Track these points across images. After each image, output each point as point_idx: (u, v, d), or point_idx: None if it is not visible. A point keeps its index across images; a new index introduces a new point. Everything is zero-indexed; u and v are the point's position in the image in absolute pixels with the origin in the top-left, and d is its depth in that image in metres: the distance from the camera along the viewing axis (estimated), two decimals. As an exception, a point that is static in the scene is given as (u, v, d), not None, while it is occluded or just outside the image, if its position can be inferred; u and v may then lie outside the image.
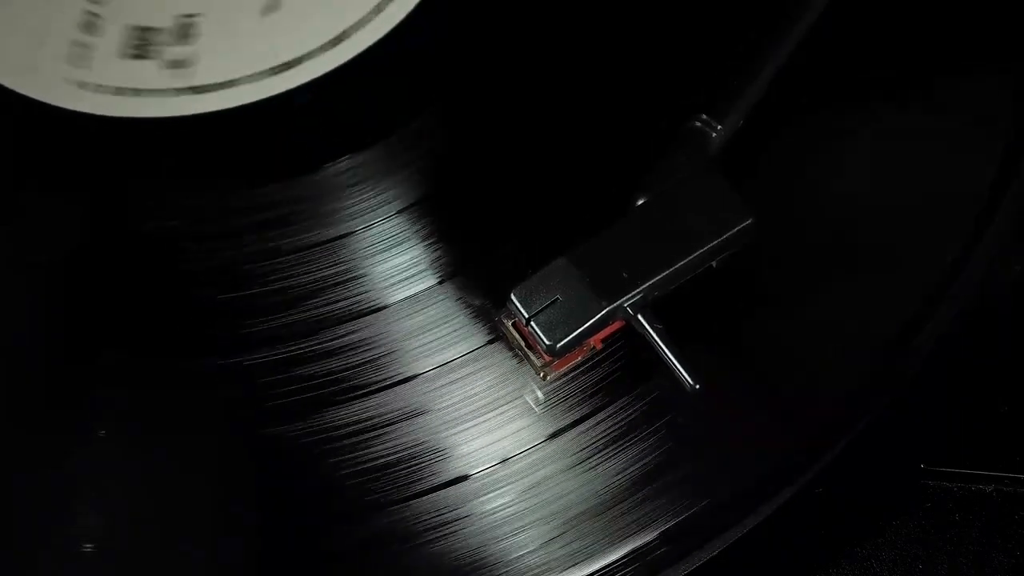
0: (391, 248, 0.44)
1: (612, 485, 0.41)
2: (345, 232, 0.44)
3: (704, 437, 0.41)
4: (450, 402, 0.42)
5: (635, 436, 0.41)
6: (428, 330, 0.42)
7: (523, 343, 0.41)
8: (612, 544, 0.40)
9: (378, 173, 0.45)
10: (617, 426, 0.41)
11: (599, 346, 0.42)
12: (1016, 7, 0.46)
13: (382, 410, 0.42)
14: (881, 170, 0.45)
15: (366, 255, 0.44)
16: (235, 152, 0.46)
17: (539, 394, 0.42)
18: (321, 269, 0.43)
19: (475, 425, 0.41)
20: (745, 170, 0.43)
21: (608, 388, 0.42)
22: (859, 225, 0.44)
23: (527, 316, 0.40)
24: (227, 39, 0.47)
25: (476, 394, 0.42)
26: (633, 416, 0.41)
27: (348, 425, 0.41)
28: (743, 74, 0.44)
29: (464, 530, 0.40)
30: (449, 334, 0.42)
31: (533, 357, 0.41)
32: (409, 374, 0.42)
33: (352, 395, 0.42)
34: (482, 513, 0.41)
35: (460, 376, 0.42)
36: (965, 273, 0.43)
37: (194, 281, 0.43)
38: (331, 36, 0.47)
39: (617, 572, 0.40)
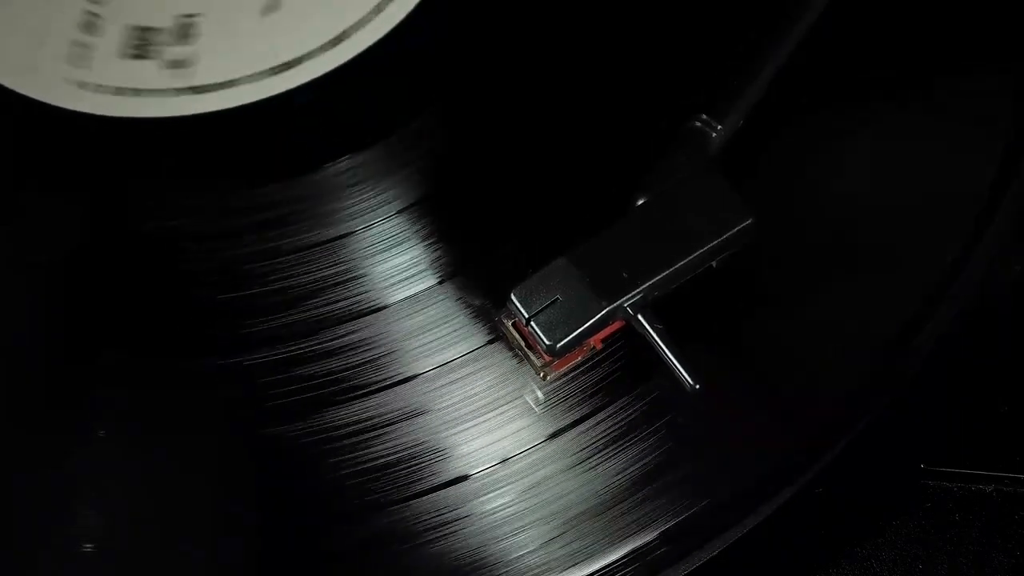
0: (391, 248, 0.44)
1: (612, 485, 0.41)
2: (345, 232, 0.44)
3: (704, 437, 0.41)
4: (450, 402, 0.42)
5: (635, 436, 0.41)
6: (428, 330, 0.42)
7: (523, 343, 0.41)
8: (612, 544, 0.40)
9: (378, 173, 0.45)
10: (617, 426, 0.41)
11: (599, 346, 0.42)
12: (1016, 7, 0.46)
13: (382, 410, 0.42)
14: (881, 170, 0.45)
15: (366, 255, 0.44)
16: (235, 152, 0.46)
17: (539, 394, 0.42)
18: (321, 269, 0.43)
19: (475, 425, 0.41)
20: (745, 170, 0.43)
21: (608, 388, 0.42)
22: (859, 225, 0.44)
23: (527, 316, 0.40)
24: (227, 39, 0.47)
25: (476, 394, 0.42)
26: (633, 416, 0.41)
27: (348, 425, 0.41)
28: (743, 74, 0.44)
29: (464, 530, 0.40)
30: (449, 334, 0.42)
31: (533, 357, 0.41)
32: (409, 374, 0.42)
33: (352, 395, 0.42)
34: (482, 513, 0.41)
35: (460, 376, 0.42)
36: (965, 273, 0.43)
37: (194, 281, 0.43)
38: (331, 36, 0.47)
39: (617, 572, 0.40)
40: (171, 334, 0.43)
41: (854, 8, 0.45)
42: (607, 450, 0.41)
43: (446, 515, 0.40)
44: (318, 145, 0.45)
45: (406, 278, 0.43)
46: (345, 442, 0.41)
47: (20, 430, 0.42)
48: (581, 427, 0.41)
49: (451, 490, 0.41)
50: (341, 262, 0.43)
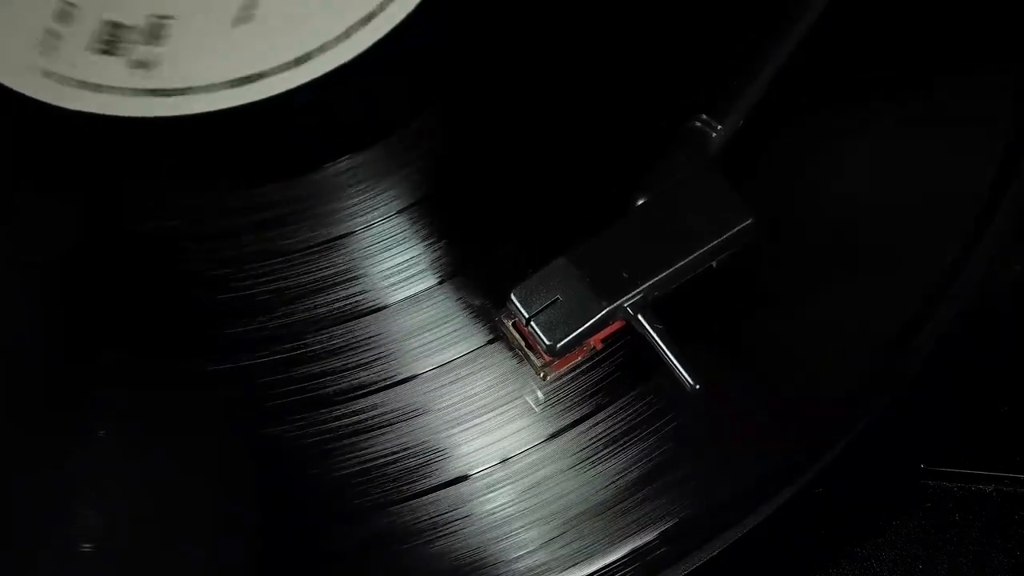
0: (391, 248, 0.44)
1: (612, 485, 0.41)
2: (345, 232, 0.44)
3: (704, 437, 0.41)
4: (450, 402, 0.42)
5: (635, 436, 0.41)
6: (428, 330, 0.42)
7: (523, 343, 0.41)
8: (612, 544, 0.40)
9: (378, 173, 0.45)
10: (617, 426, 0.41)
11: (599, 346, 0.42)
12: (1016, 7, 0.46)
13: (382, 410, 0.42)
14: (881, 170, 0.45)
15: (366, 255, 0.44)
16: (235, 152, 0.46)
17: (539, 394, 0.42)
18: (321, 269, 0.43)
19: (475, 425, 0.41)
20: (745, 170, 0.43)
21: (608, 388, 0.42)
22: (859, 225, 0.44)
23: (527, 316, 0.40)
24: (193, 46, 0.47)
25: (476, 394, 0.42)
26: (633, 416, 0.41)
27: (348, 425, 0.41)
28: (743, 74, 0.44)
29: (464, 530, 0.40)
30: (449, 334, 0.42)
31: (533, 357, 0.41)
32: (409, 374, 0.42)
33: (352, 395, 0.42)
34: (482, 513, 0.41)
35: (460, 376, 0.42)
36: (965, 273, 0.43)
37: (194, 281, 0.43)
38: (294, 56, 0.46)
39: (617, 572, 0.40)
40: (171, 334, 0.43)
41: (854, 8, 0.45)
42: (607, 450, 0.41)
43: (446, 515, 0.40)
44: (318, 145, 0.45)
45: (406, 278, 0.43)
46: (345, 442, 0.41)
47: (20, 430, 0.42)
48: (581, 427, 0.41)
49: (451, 490, 0.41)
50: (341, 262, 0.43)
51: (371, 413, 0.41)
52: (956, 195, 0.44)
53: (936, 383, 0.45)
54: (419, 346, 0.42)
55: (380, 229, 0.44)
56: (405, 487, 0.41)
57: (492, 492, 0.41)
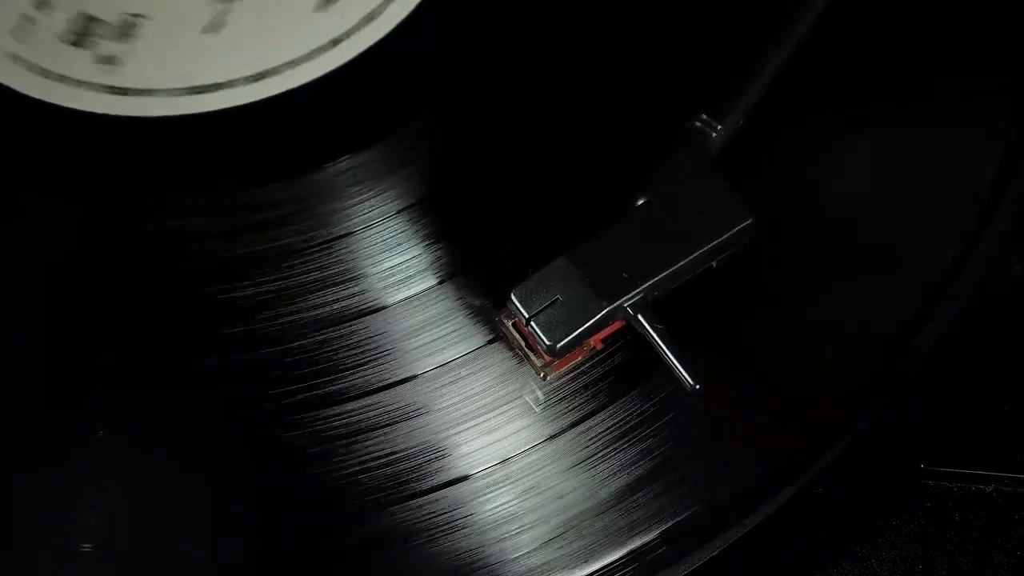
0: (391, 248, 0.44)
1: (612, 485, 0.41)
2: (345, 232, 0.44)
3: (704, 437, 0.41)
4: (450, 402, 0.42)
5: (635, 436, 0.41)
6: (428, 330, 0.42)
7: (523, 343, 0.41)
8: (612, 544, 0.40)
9: (378, 173, 0.45)
10: (617, 426, 0.41)
11: (599, 346, 0.42)
12: (1016, 7, 0.46)
13: (382, 410, 0.42)
14: (881, 170, 0.45)
15: (366, 255, 0.44)
16: (235, 152, 0.46)
17: (539, 394, 0.42)
18: (321, 269, 0.43)
19: (475, 425, 0.41)
20: (745, 170, 0.43)
21: (608, 388, 0.42)
22: (859, 225, 0.44)
23: (527, 316, 0.40)
24: (160, 48, 0.46)
25: (476, 394, 0.42)
26: (633, 416, 0.41)
27: (348, 425, 0.41)
28: (743, 74, 0.44)
29: (464, 530, 0.40)
30: (449, 334, 0.42)
31: (533, 357, 0.41)
32: (409, 374, 0.42)
33: (352, 395, 0.42)
34: (482, 513, 0.41)
35: (460, 376, 0.42)
36: (965, 273, 0.43)
37: (194, 281, 0.43)
38: (254, 71, 0.46)
39: (617, 572, 0.40)
40: (171, 334, 0.43)
41: (854, 8, 0.45)
42: (607, 450, 0.41)
43: (446, 515, 0.40)
44: (318, 145, 0.45)
45: (406, 278, 0.43)
46: (345, 442, 0.41)
47: (20, 430, 0.42)
48: (581, 427, 0.41)
49: (451, 490, 0.41)
50: (341, 262, 0.43)
51: (371, 413, 0.41)
52: (956, 195, 0.44)
53: (936, 383, 0.45)
54: (419, 346, 0.42)
55: (380, 229, 0.44)
56: (405, 487, 0.41)
57: (492, 492, 0.41)
